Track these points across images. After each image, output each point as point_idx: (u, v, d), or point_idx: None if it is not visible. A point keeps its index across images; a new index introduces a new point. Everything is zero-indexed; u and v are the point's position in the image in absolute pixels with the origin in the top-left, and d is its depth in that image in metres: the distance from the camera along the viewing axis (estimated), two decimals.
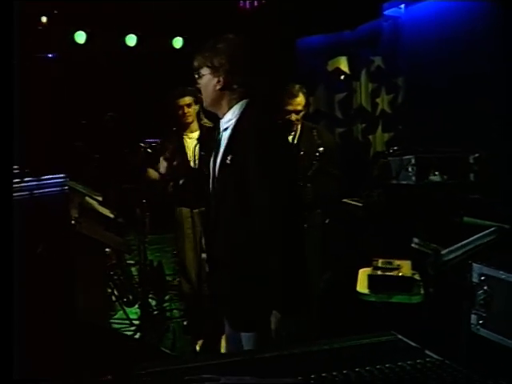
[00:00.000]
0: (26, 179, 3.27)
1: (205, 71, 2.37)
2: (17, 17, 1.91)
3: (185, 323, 4.90)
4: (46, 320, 2.86)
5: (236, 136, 2.34)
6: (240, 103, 2.38)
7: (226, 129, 2.40)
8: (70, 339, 2.79)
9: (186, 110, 4.64)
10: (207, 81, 2.38)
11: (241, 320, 2.40)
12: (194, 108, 4.66)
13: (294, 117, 4.12)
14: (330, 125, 7.70)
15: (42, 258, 2.95)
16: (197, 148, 4.08)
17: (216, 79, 2.35)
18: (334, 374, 1.41)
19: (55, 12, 7.93)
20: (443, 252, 3.24)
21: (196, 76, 2.42)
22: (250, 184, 2.26)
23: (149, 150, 4.82)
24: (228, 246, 2.38)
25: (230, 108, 2.39)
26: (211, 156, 2.48)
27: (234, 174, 2.31)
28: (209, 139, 2.68)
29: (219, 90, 2.36)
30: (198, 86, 2.45)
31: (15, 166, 3.34)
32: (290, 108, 4.12)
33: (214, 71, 2.34)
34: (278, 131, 2.43)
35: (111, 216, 4.40)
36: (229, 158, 2.31)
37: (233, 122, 2.37)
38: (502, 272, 2.61)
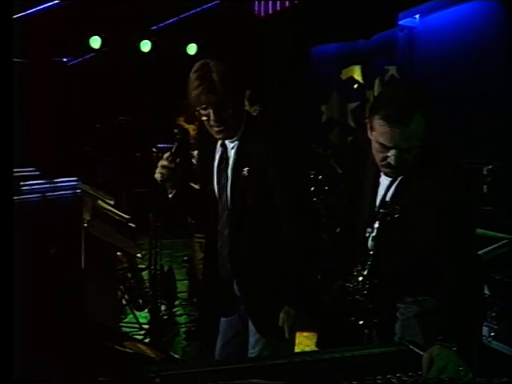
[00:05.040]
0: (40, 181, 3.30)
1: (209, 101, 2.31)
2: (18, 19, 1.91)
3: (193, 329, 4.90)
4: (55, 321, 2.87)
5: (247, 149, 2.37)
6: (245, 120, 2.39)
7: (232, 148, 2.42)
8: (78, 341, 2.80)
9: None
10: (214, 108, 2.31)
11: (268, 325, 2.40)
12: (188, 127, 4.57)
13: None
14: (342, 133, 7.70)
15: (54, 259, 2.96)
16: None
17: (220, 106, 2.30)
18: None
19: (70, 16, 7.99)
20: None
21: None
22: (271, 192, 2.34)
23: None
24: (249, 250, 2.43)
25: (237, 128, 2.38)
26: (212, 172, 2.49)
27: (253, 184, 2.36)
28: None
29: (225, 116, 2.31)
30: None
31: (29, 168, 3.37)
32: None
33: (216, 99, 2.27)
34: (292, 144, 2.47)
35: (123, 220, 4.41)
36: (245, 169, 2.36)
37: (239, 137, 2.39)
38: None
